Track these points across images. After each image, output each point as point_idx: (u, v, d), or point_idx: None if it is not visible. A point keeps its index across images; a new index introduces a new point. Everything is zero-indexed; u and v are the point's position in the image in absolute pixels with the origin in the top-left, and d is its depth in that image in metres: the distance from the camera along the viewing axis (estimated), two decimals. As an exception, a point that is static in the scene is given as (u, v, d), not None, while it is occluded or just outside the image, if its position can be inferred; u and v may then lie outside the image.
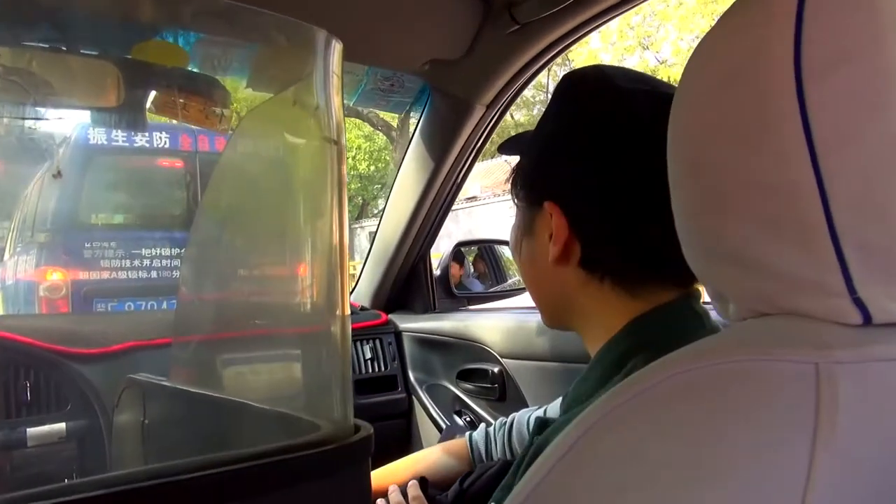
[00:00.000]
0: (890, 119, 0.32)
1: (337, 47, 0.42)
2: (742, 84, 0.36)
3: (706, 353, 0.35)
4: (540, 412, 0.93)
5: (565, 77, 0.68)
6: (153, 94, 1.01)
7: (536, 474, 0.35)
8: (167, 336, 0.97)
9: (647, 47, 13.42)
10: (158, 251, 4.23)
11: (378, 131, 12.50)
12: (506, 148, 0.74)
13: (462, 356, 1.47)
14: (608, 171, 0.60)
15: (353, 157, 14.36)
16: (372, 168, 14.64)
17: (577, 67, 0.69)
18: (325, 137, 0.41)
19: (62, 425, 1.17)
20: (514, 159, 0.72)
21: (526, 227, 0.68)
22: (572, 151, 0.63)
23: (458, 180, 1.48)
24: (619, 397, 0.35)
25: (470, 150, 1.40)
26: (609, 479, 0.33)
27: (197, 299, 0.68)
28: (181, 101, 1.04)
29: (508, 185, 0.72)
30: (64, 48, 0.94)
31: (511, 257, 1.63)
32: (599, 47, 13.72)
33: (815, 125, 0.33)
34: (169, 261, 4.22)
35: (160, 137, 4.42)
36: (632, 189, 0.59)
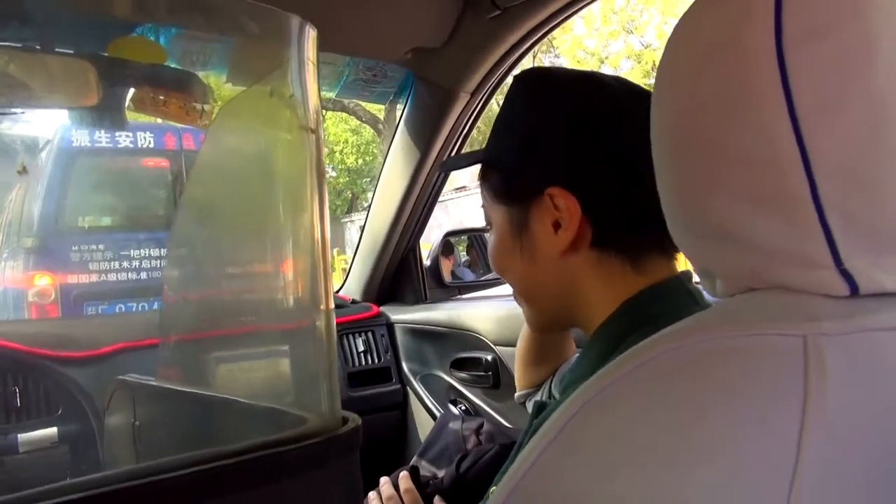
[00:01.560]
0: (872, 88, 0.32)
1: (311, 34, 0.41)
2: (724, 57, 0.35)
3: (694, 330, 0.35)
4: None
5: (526, 76, 0.69)
6: (131, 91, 0.99)
7: (531, 454, 0.35)
8: (156, 336, 0.96)
9: (632, 31, 13.41)
10: (147, 252, 4.20)
11: (365, 125, 12.44)
12: (451, 165, 0.74)
13: (455, 345, 1.47)
14: (608, 145, 0.61)
15: (341, 152, 14.30)
16: (360, 161, 14.59)
17: (535, 66, 0.71)
18: (303, 127, 0.40)
19: (53, 430, 1.16)
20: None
21: (517, 226, 0.66)
22: (568, 135, 0.62)
23: (445, 169, 1.47)
24: (610, 376, 0.35)
25: (456, 138, 1.39)
26: (601, 458, 0.33)
27: (180, 298, 0.67)
28: (160, 97, 1.02)
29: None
30: (37, 47, 0.92)
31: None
32: (584, 33, 13.71)
33: (797, 96, 0.33)
34: (158, 261, 4.19)
35: (144, 137, 4.38)
36: (631, 160, 0.59)
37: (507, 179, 0.67)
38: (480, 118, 1.39)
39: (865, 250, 0.33)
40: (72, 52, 0.97)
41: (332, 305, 0.41)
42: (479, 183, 0.71)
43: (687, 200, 0.39)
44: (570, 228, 0.61)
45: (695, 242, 0.40)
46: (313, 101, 0.41)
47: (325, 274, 0.41)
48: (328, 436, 0.39)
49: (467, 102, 1.30)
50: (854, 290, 0.33)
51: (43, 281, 4.01)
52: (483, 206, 0.71)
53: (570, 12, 1.06)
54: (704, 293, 0.62)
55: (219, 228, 0.59)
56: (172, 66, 1.02)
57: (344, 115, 12.47)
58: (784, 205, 0.34)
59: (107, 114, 1.00)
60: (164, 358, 0.69)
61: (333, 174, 15.49)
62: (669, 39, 0.40)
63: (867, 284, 0.33)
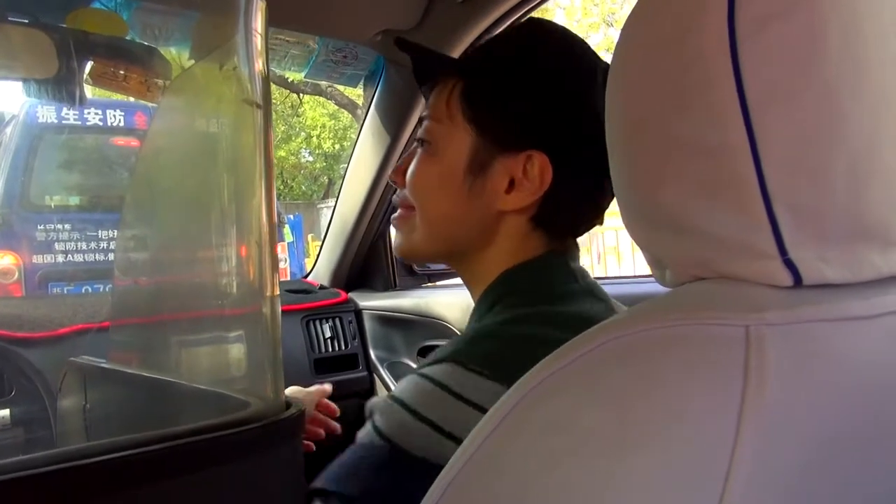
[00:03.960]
0: (821, 78, 0.32)
1: (260, 5, 0.39)
2: (677, 45, 0.35)
3: (641, 319, 0.35)
4: None
5: (559, 30, 0.64)
6: (90, 64, 0.96)
7: (473, 442, 0.35)
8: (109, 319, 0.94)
9: (612, 24, 13.44)
10: (116, 233, 4.12)
11: (343, 109, 12.32)
12: (419, 59, 0.66)
13: (423, 333, 1.46)
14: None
15: (318, 136, 14.15)
16: (337, 146, 14.45)
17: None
18: (248, 101, 0.39)
19: (6, 412, 1.13)
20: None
21: (478, 162, 0.62)
22: (575, 102, 0.59)
23: (416, 155, 1.46)
24: (554, 364, 0.34)
25: (427, 123, 1.37)
26: (541, 447, 0.32)
27: (128, 281, 0.66)
28: (120, 72, 0.99)
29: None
30: (-10, 15, 0.89)
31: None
32: (565, 24, 13.68)
33: (747, 84, 0.33)
34: (126, 243, 4.11)
35: (114, 115, 4.28)
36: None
37: (498, 113, 0.62)
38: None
39: (811, 241, 0.33)
40: (27, 21, 0.93)
41: (277, 290, 0.40)
42: (440, 88, 0.64)
43: (638, 188, 0.39)
44: (527, 198, 0.60)
45: (645, 231, 0.40)
46: (261, 74, 0.39)
47: (270, 257, 0.40)
48: (269, 420, 0.39)
49: (438, 87, 1.28)
50: (798, 280, 0.33)
51: (6, 260, 3.92)
52: (432, 118, 0.65)
53: (541, -1, 1.05)
54: (587, 276, 0.64)
55: (163, 210, 0.58)
56: (133, 39, 0.99)
57: (322, 99, 12.33)
58: (732, 194, 0.34)
59: (64, 87, 0.97)
60: (114, 341, 0.68)
61: (310, 159, 15.33)
62: (624, 26, 0.40)
63: (810, 275, 0.33)
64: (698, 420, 0.30)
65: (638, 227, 0.41)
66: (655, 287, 0.41)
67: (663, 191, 0.37)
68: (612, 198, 0.57)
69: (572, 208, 0.62)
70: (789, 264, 0.33)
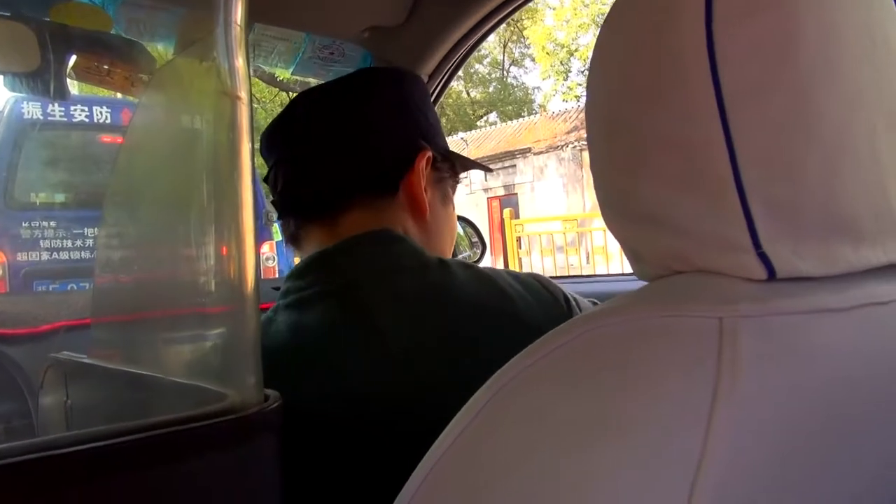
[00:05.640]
0: (797, 73, 0.32)
1: (239, -2, 0.39)
2: (655, 41, 0.35)
3: (613, 312, 0.35)
4: None
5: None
6: (74, 59, 0.95)
7: (450, 434, 0.35)
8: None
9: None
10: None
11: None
12: None
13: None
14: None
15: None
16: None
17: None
18: (228, 94, 0.39)
19: (-13, 409, 1.13)
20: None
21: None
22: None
23: (404, 153, 1.45)
24: (531, 356, 0.35)
25: (414, 121, 1.37)
26: (516, 438, 0.33)
27: (109, 278, 0.66)
28: (105, 67, 0.98)
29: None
30: (-30, 8, 0.88)
31: (461, 231, 1.63)
32: (554, 25, 13.76)
33: (723, 79, 0.33)
34: (112, 240, 4.08)
35: (101, 112, 4.25)
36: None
37: None
38: (439, 102, 1.38)
39: (785, 235, 0.33)
40: (9, 14, 0.92)
41: (258, 283, 0.40)
42: None
43: (616, 183, 0.39)
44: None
45: (623, 225, 0.40)
46: (240, 66, 0.39)
47: (249, 251, 0.40)
48: (247, 413, 0.38)
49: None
50: (771, 273, 0.34)
51: (-11, 257, 3.88)
52: None
53: (529, -4, 1.05)
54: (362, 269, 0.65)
55: (142, 205, 0.58)
56: (118, 34, 0.98)
57: (311, 97, 12.28)
58: (707, 188, 0.34)
59: (47, 81, 0.96)
60: (94, 338, 0.68)
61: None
62: (604, 23, 0.40)
63: (784, 268, 0.33)
64: (672, 410, 0.31)
65: (616, 222, 0.41)
66: (639, 284, 0.41)
67: (640, 185, 0.37)
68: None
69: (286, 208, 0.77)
70: (763, 257, 0.34)
